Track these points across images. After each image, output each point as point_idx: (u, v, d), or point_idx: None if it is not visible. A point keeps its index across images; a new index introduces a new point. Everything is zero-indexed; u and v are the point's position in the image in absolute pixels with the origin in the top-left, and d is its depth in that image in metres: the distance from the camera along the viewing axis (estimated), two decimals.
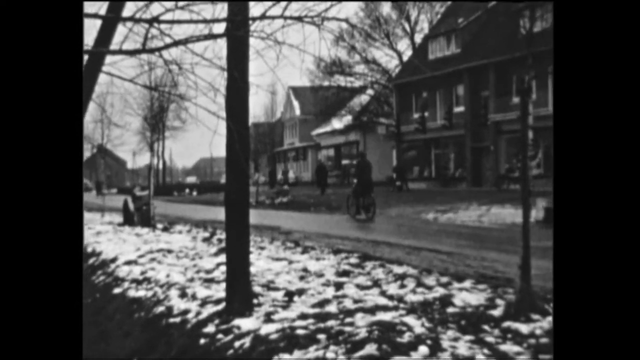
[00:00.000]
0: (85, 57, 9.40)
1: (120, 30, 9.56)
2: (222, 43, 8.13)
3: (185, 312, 9.43)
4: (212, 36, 7.34)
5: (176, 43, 7.15)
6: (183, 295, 10.31)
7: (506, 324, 7.23)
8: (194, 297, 10.02)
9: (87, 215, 27.04)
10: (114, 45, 8.74)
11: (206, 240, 17.65)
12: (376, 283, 10.08)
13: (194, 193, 72.49)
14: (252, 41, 8.25)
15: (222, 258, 11.32)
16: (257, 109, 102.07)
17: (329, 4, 7.67)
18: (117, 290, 12.24)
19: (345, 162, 69.72)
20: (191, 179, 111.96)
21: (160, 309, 10.08)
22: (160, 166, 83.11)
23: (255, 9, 7.93)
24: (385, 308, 8.26)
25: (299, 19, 7.56)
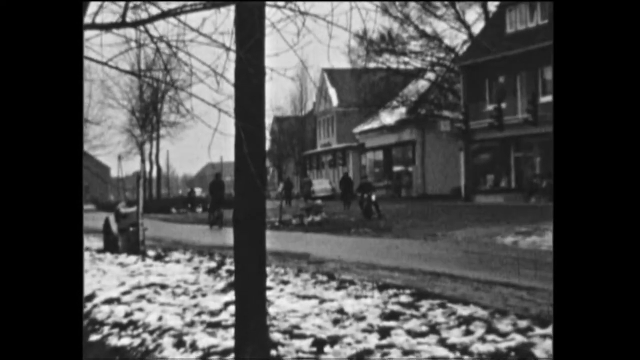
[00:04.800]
0: None
1: None
2: (229, 13, 8.13)
3: None
4: (213, 4, 7.36)
5: (165, 14, 7.17)
6: (180, 344, 10.35)
7: None
8: (193, 346, 10.06)
9: None
10: (86, 18, 8.82)
11: (212, 271, 17.70)
12: (434, 328, 10.07)
13: (199, 209, 71.92)
14: (268, 10, 8.24)
15: (233, 295, 11.36)
16: (281, 100, 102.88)
17: None
18: (94, 337, 12.31)
19: (397, 168, 69.49)
20: (197, 191, 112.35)
21: None
22: (154, 174, 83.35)
23: None
24: None
25: None
